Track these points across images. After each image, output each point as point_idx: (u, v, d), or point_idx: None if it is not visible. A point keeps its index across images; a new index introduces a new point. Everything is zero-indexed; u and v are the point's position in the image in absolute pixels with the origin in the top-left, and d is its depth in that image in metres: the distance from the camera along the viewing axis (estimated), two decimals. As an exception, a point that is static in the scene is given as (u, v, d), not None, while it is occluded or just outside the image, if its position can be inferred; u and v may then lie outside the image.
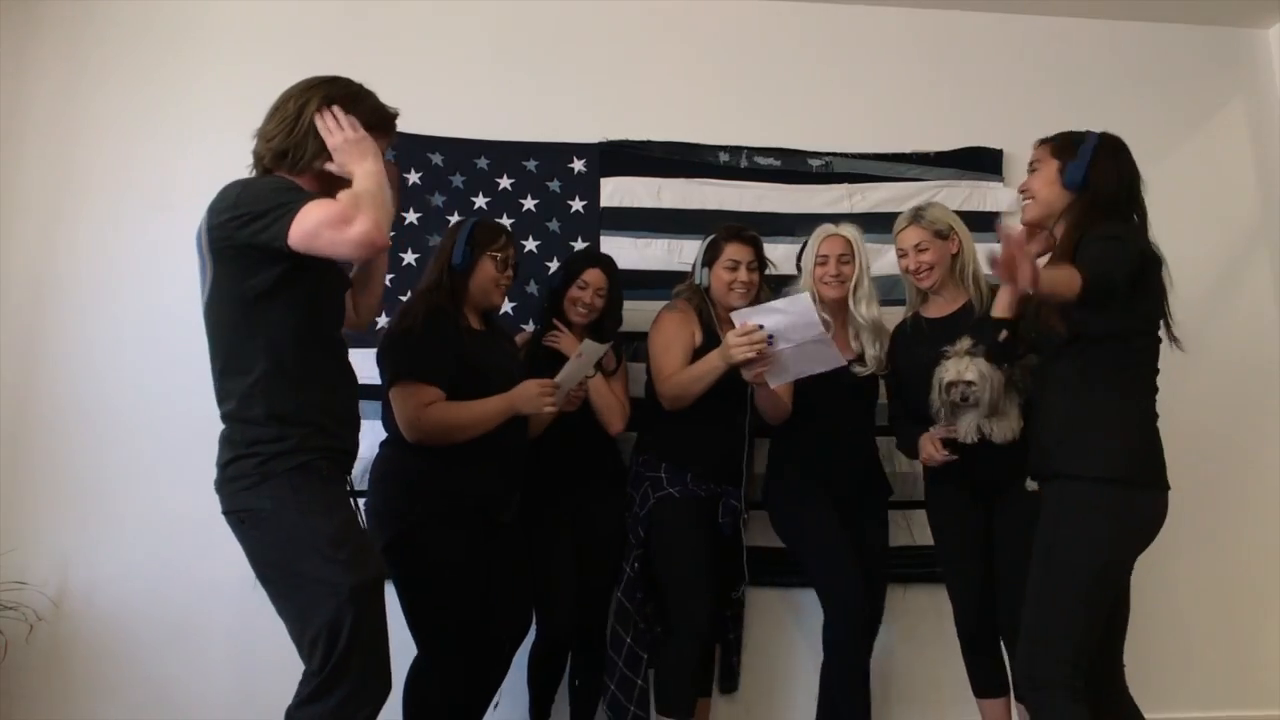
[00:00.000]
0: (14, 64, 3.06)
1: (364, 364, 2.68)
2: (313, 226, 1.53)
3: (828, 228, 2.63)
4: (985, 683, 2.44)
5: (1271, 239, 3.43)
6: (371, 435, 2.39)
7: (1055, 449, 1.89)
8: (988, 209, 3.24)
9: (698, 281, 2.58)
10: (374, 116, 1.80)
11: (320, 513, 1.62)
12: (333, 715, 1.59)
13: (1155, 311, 1.91)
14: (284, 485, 1.60)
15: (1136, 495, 1.81)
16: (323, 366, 1.74)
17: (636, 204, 3.14)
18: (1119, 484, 1.79)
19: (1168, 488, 1.86)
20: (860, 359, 2.56)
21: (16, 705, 2.69)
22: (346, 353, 1.85)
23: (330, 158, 1.71)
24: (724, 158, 3.22)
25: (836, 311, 2.58)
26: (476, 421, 2.19)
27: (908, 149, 3.28)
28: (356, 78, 3.15)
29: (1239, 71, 3.56)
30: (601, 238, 3.08)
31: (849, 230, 2.61)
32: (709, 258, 2.58)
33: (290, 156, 1.72)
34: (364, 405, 2.71)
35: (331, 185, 1.70)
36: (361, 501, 2.02)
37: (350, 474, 1.81)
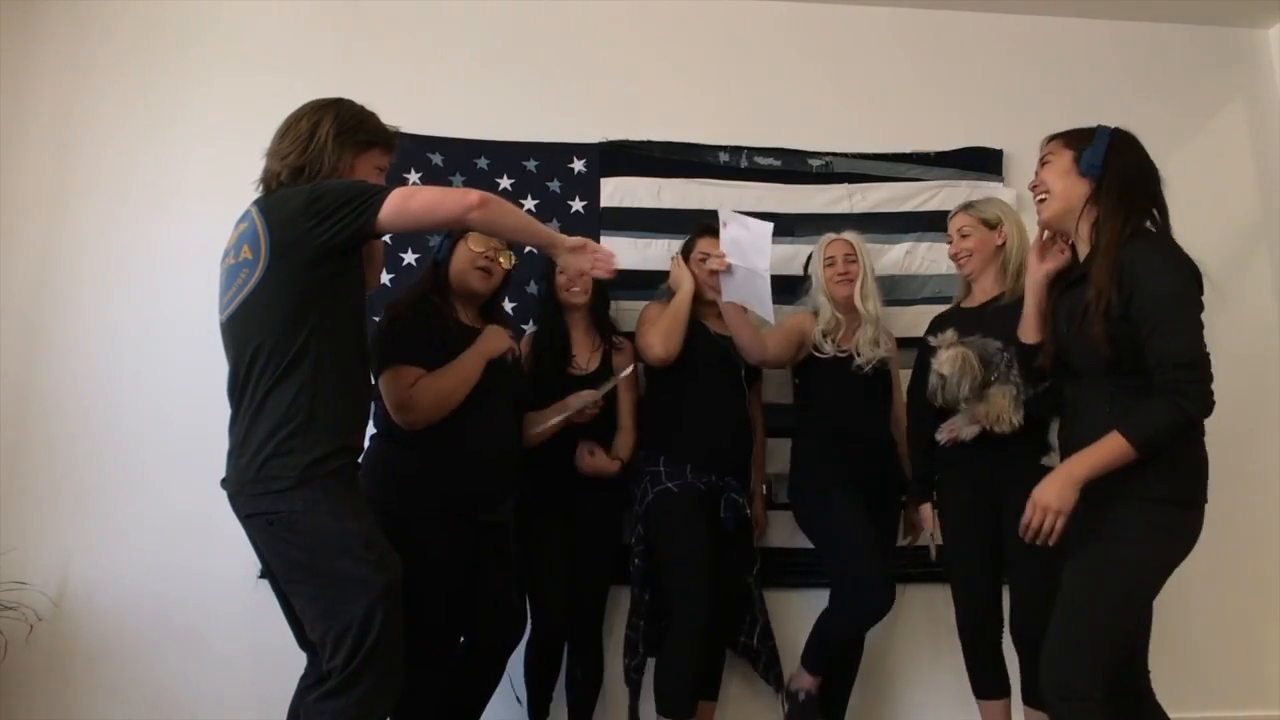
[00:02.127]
0: (15, 65, 3.06)
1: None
2: (429, 199, 1.71)
3: (831, 235, 2.77)
4: (987, 684, 2.43)
5: (1271, 238, 3.43)
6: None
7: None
8: (988, 209, 3.25)
9: None
10: (377, 136, 1.91)
11: (351, 515, 1.68)
12: (354, 709, 1.62)
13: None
14: (318, 489, 1.64)
15: (1188, 514, 1.75)
16: (356, 370, 1.80)
17: (636, 204, 3.14)
18: (1177, 505, 1.73)
19: (1206, 501, 1.81)
20: (858, 354, 2.61)
21: (16, 705, 2.69)
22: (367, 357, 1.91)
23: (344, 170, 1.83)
24: (724, 158, 3.22)
25: (847, 309, 2.66)
26: (459, 379, 2.19)
27: (908, 149, 3.28)
28: (356, 78, 3.17)
29: (1239, 71, 3.56)
30: (601, 238, 3.07)
31: (851, 234, 2.76)
32: (685, 252, 2.76)
33: (306, 172, 1.81)
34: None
35: None
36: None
37: None
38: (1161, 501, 1.72)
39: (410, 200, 1.70)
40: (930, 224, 3.18)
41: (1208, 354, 1.69)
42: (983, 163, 3.29)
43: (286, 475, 1.63)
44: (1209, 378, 1.68)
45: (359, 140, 1.87)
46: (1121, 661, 1.75)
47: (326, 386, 1.69)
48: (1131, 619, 1.75)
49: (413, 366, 2.17)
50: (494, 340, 2.29)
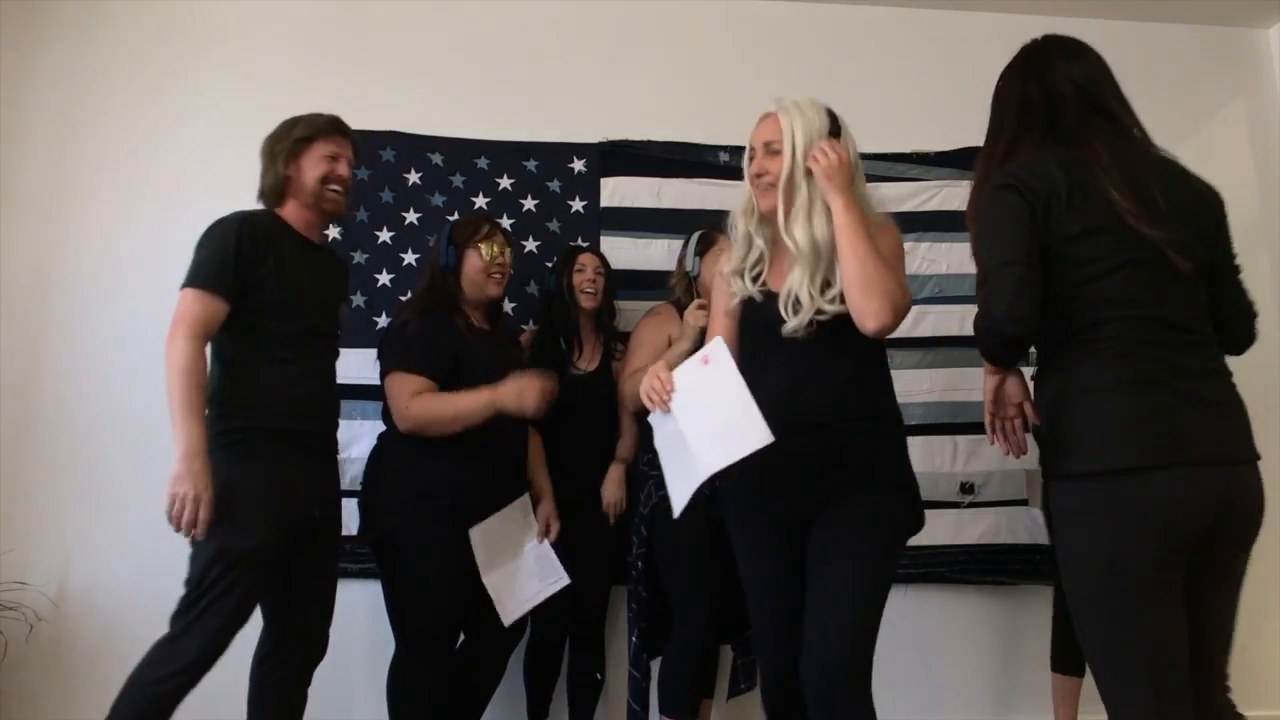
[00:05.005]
0: (18, 66, 3.06)
1: (362, 363, 2.70)
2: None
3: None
4: (1063, 660, 2.55)
5: (1271, 239, 3.43)
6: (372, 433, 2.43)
7: (1041, 445, 1.61)
8: (988, 209, 3.25)
9: (688, 269, 2.60)
10: (309, 131, 2.07)
11: (235, 479, 1.89)
12: (170, 663, 1.90)
13: (1090, 251, 1.48)
14: (221, 453, 1.92)
15: (1115, 483, 1.42)
16: (281, 364, 1.98)
17: (636, 204, 3.14)
18: (1091, 478, 1.45)
19: (1168, 465, 1.41)
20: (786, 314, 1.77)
21: (16, 705, 2.69)
22: (314, 340, 2.05)
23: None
24: (724, 158, 3.21)
25: (776, 234, 1.81)
26: (460, 414, 2.19)
27: (908, 149, 3.27)
28: (357, 79, 3.18)
29: (1239, 71, 3.56)
30: (601, 238, 3.07)
31: (789, 102, 1.88)
32: (702, 247, 2.61)
33: (268, 196, 2.09)
34: (363, 405, 2.76)
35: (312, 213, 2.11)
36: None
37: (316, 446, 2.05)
38: (1075, 478, 1.48)
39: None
40: (930, 224, 3.18)
41: (1004, 262, 1.47)
42: (982, 163, 3.29)
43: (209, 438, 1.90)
44: (995, 283, 1.47)
45: (287, 145, 2.05)
46: (1153, 674, 1.42)
47: (246, 374, 1.95)
48: (1111, 625, 1.44)
49: (418, 376, 2.19)
50: (515, 399, 2.19)
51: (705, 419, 1.62)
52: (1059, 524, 1.53)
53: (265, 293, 1.96)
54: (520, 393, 2.19)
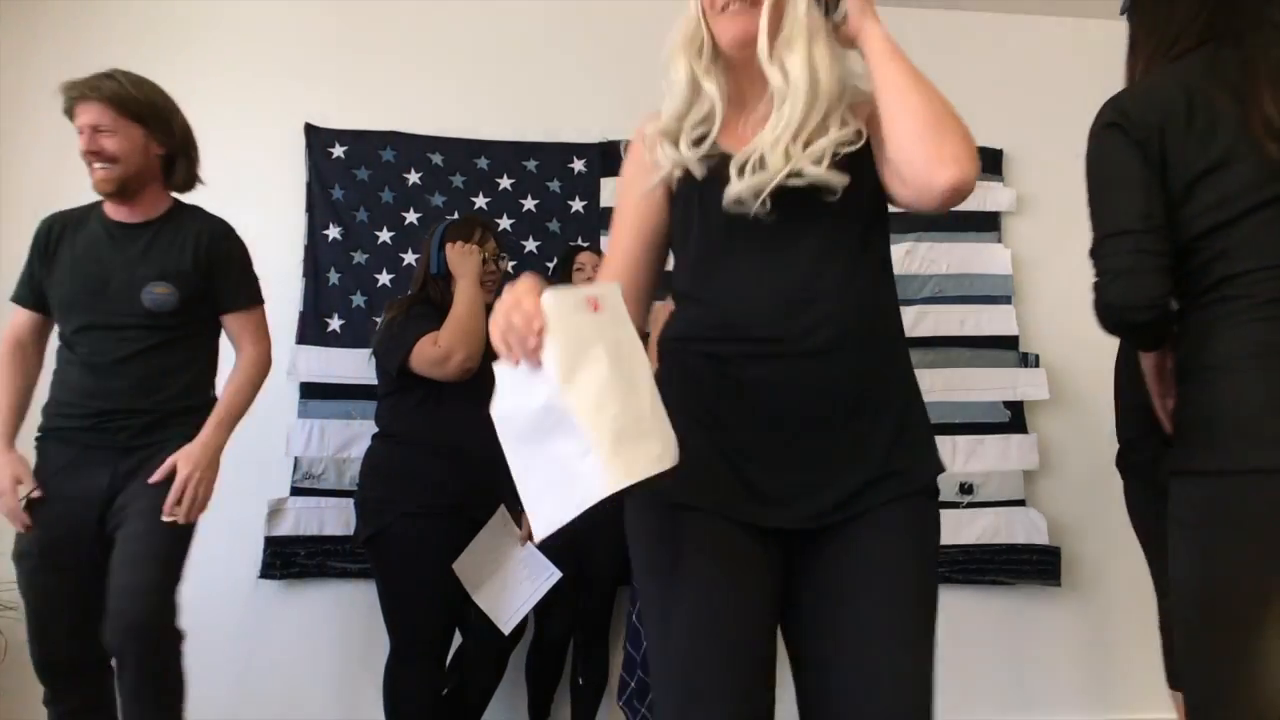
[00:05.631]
0: (15, 65, 3.07)
1: (361, 363, 2.69)
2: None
3: None
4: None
5: (1272, 239, 3.42)
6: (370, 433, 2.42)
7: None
8: (988, 209, 3.25)
9: None
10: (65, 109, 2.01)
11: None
12: None
13: (1218, 192, 1.16)
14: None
15: (1235, 489, 1.12)
16: (62, 369, 2.03)
17: (637, 204, 3.14)
18: (1203, 478, 1.16)
19: (1237, 468, 1.12)
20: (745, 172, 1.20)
21: (16, 705, 2.69)
22: (98, 334, 2.00)
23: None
24: (724, 158, 3.21)
25: (746, 79, 1.24)
26: (465, 306, 2.20)
27: (907, 149, 3.27)
28: (356, 78, 3.17)
29: (1239, 71, 3.56)
30: (602, 238, 3.08)
31: None
32: None
33: None
34: (363, 405, 2.76)
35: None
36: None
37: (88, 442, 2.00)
38: (1187, 477, 1.20)
39: None
40: (931, 224, 3.17)
41: (1113, 232, 1.21)
42: (982, 162, 3.27)
43: None
44: (1106, 262, 1.22)
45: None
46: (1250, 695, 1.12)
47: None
48: (1213, 661, 1.15)
49: (425, 336, 2.18)
50: (468, 260, 2.28)
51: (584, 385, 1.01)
52: (1169, 531, 1.22)
53: (50, 297, 2.03)
54: (465, 254, 2.29)
